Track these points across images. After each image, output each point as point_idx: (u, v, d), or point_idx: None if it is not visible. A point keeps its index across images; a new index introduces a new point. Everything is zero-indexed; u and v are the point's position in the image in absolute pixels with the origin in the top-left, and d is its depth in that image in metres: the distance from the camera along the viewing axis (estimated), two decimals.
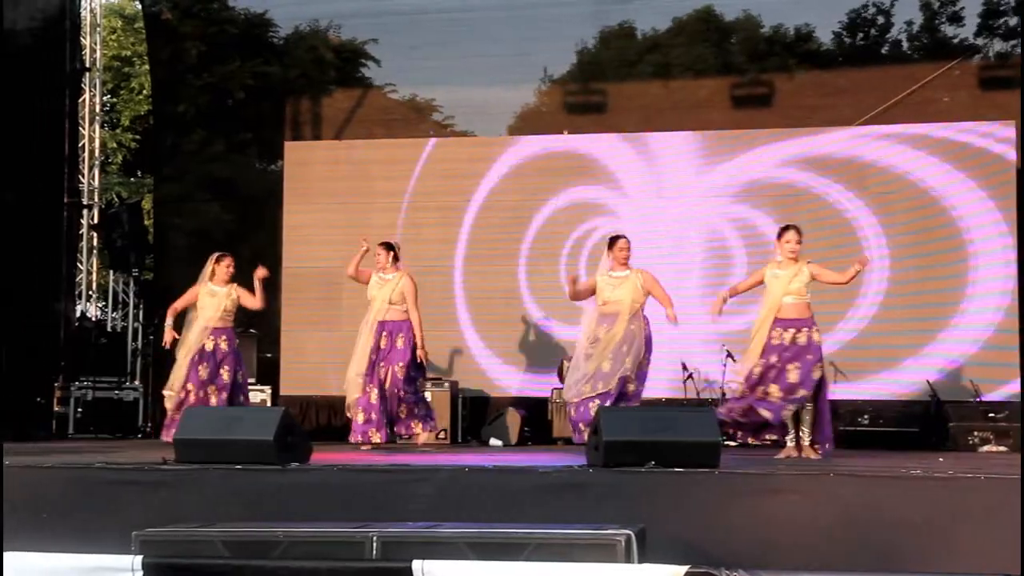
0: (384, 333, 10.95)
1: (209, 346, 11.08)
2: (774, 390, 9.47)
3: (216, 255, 11.32)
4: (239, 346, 11.42)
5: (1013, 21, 13.87)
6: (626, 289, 10.35)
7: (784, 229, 9.81)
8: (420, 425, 11.19)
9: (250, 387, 13.55)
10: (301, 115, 15.72)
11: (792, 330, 9.52)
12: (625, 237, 10.67)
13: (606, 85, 14.91)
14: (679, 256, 13.86)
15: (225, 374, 11.09)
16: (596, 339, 10.34)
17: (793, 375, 9.45)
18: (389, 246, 11.25)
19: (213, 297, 11.18)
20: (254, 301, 11.29)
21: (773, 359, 9.49)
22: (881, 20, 14.57)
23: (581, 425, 10.18)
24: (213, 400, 10.98)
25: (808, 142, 13.86)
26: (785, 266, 9.67)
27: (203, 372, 11.03)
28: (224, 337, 11.15)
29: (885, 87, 13.75)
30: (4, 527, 6.96)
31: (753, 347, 9.65)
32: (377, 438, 10.85)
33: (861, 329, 13.16)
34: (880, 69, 14.34)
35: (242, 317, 12.61)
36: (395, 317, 11.00)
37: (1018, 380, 12.51)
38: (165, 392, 11.26)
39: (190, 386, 11.00)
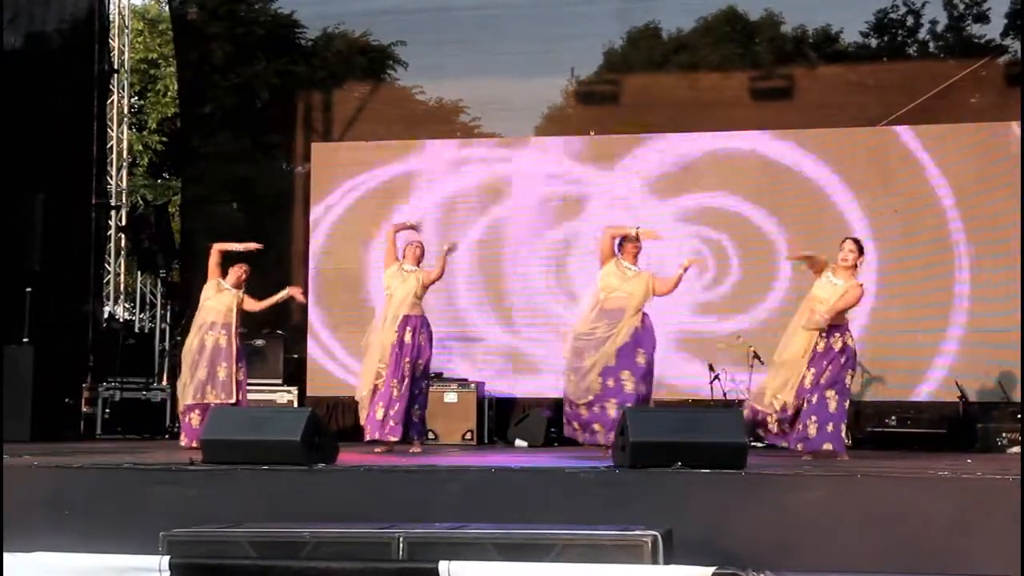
0: (408, 328, 10.78)
1: (209, 342, 11.08)
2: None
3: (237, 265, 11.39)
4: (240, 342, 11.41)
5: None
6: (638, 284, 10.13)
7: (845, 239, 9.90)
8: (417, 435, 11.00)
9: (277, 388, 13.65)
10: (328, 116, 15.72)
11: (827, 336, 9.60)
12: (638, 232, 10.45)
13: (628, 82, 14.87)
14: (704, 258, 13.85)
15: (221, 371, 11.08)
16: (592, 333, 10.10)
17: (824, 376, 9.52)
18: (421, 244, 11.16)
19: (221, 292, 11.21)
20: (258, 307, 11.41)
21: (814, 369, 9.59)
22: (910, 21, 14.48)
23: (575, 424, 10.15)
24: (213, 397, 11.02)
25: (833, 141, 13.82)
26: (839, 275, 9.69)
27: (218, 371, 11.07)
28: (224, 333, 11.12)
29: (911, 87, 13.68)
30: (33, 525, 7.01)
31: (795, 347, 9.65)
32: (393, 437, 10.63)
33: (889, 329, 13.10)
34: (907, 69, 14.27)
35: (269, 318, 12.63)
36: (418, 312, 10.86)
37: None
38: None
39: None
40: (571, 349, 10.27)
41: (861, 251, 9.82)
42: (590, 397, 10.02)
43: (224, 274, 11.35)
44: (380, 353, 10.76)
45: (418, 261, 11.01)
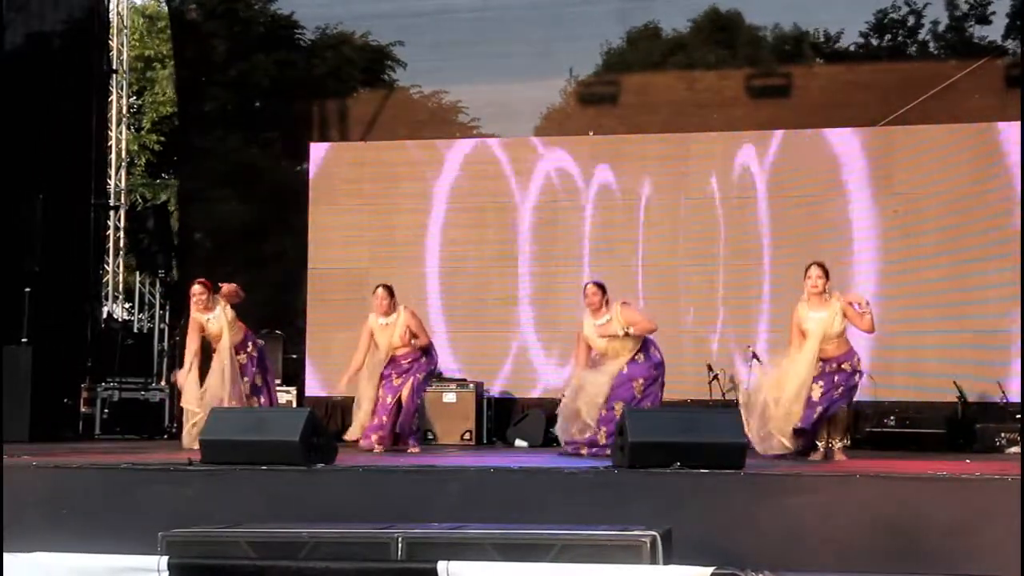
0: (401, 363, 10.89)
1: (242, 360, 11.00)
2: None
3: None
4: (263, 348, 11.36)
5: None
6: (611, 337, 10.13)
7: (808, 266, 9.68)
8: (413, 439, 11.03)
9: (275, 389, 13.59)
10: (327, 116, 15.72)
11: (836, 363, 9.57)
12: (592, 283, 10.45)
13: (627, 82, 14.86)
14: (703, 259, 13.85)
15: (258, 379, 11.06)
16: (582, 385, 10.17)
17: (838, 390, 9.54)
18: (390, 289, 11.04)
19: (210, 324, 11.01)
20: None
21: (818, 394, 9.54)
22: (911, 21, 14.47)
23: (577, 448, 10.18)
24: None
25: (833, 141, 13.81)
26: (816, 305, 9.57)
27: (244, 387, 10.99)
28: (244, 350, 11.04)
29: (911, 87, 13.66)
30: (32, 525, 7.00)
31: (797, 393, 9.51)
32: (379, 448, 10.69)
33: (888, 330, 13.08)
34: (906, 69, 14.25)
35: (268, 318, 12.61)
36: (407, 349, 10.89)
37: None
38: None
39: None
40: (571, 388, 10.34)
41: (827, 275, 9.63)
42: (581, 434, 10.09)
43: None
44: (368, 407, 10.85)
45: (387, 312, 10.93)
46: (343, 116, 15.63)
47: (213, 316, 10.99)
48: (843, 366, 9.54)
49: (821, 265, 9.67)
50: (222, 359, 10.93)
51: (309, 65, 15.89)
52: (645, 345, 10.21)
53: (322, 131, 15.57)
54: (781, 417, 9.43)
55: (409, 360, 10.88)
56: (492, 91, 14.72)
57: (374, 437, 10.69)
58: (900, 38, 14.58)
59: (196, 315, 11.05)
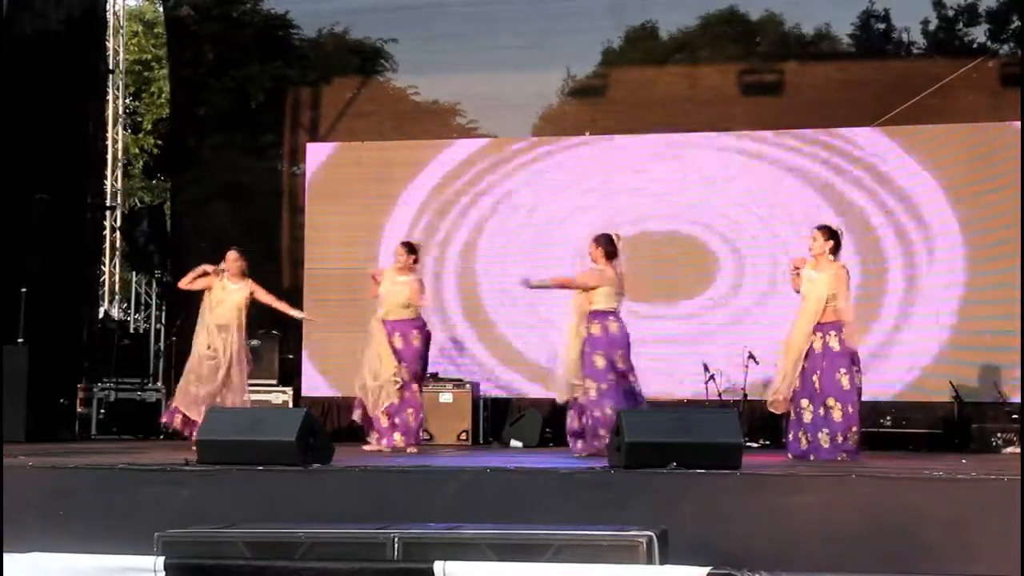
0: (396, 334, 10.81)
1: (218, 344, 10.88)
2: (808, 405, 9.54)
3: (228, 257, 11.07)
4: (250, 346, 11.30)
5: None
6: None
7: (812, 229, 9.79)
8: (406, 433, 10.94)
9: (272, 389, 13.59)
10: (322, 117, 15.70)
11: (823, 335, 9.53)
12: (607, 233, 10.47)
13: (623, 80, 14.85)
14: (697, 260, 13.85)
15: (235, 375, 10.91)
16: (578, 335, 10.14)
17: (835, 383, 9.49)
18: (411, 247, 11.11)
19: (225, 291, 10.98)
20: (269, 300, 11.17)
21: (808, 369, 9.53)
22: (902, 21, 14.47)
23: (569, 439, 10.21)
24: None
25: (827, 140, 13.80)
26: (820, 267, 9.60)
27: (231, 375, 10.92)
28: (234, 336, 10.92)
29: (905, 87, 13.65)
30: (29, 526, 7.00)
31: (789, 358, 9.61)
32: (401, 442, 10.78)
33: (884, 329, 13.10)
34: (901, 69, 14.24)
35: (265, 318, 12.61)
36: (403, 317, 10.85)
37: None
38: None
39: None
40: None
41: (830, 236, 9.65)
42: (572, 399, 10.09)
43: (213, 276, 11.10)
44: (386, 363, 10.78)
45: (410, 269, 10.96)
46: (339, 117, 15.60)
47: (232, 287, 10.97)
48: (829, 340, 9.49)
49: (820, 227, 9.78)
50: (213, 332, 10.87)
51: (304, 66, 15.88)
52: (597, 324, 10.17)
53: (317, 132, 15.55)
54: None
55: (404, 339, 10.82)
56: (488, 88, 14.70)
57: (397, 439, 10.76)
58: (894, 37, 14.57)
59: (215, 278, 11.01)
